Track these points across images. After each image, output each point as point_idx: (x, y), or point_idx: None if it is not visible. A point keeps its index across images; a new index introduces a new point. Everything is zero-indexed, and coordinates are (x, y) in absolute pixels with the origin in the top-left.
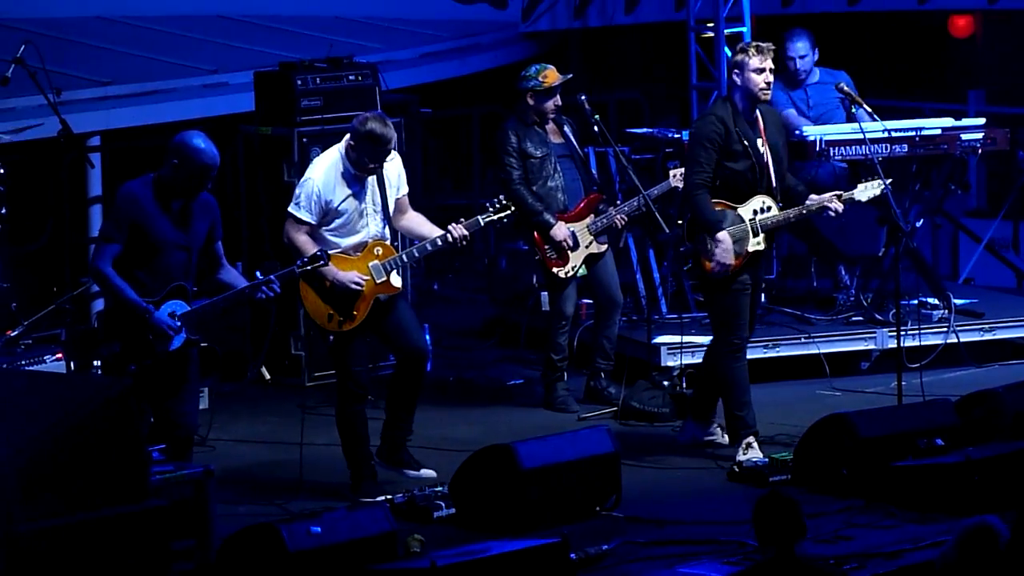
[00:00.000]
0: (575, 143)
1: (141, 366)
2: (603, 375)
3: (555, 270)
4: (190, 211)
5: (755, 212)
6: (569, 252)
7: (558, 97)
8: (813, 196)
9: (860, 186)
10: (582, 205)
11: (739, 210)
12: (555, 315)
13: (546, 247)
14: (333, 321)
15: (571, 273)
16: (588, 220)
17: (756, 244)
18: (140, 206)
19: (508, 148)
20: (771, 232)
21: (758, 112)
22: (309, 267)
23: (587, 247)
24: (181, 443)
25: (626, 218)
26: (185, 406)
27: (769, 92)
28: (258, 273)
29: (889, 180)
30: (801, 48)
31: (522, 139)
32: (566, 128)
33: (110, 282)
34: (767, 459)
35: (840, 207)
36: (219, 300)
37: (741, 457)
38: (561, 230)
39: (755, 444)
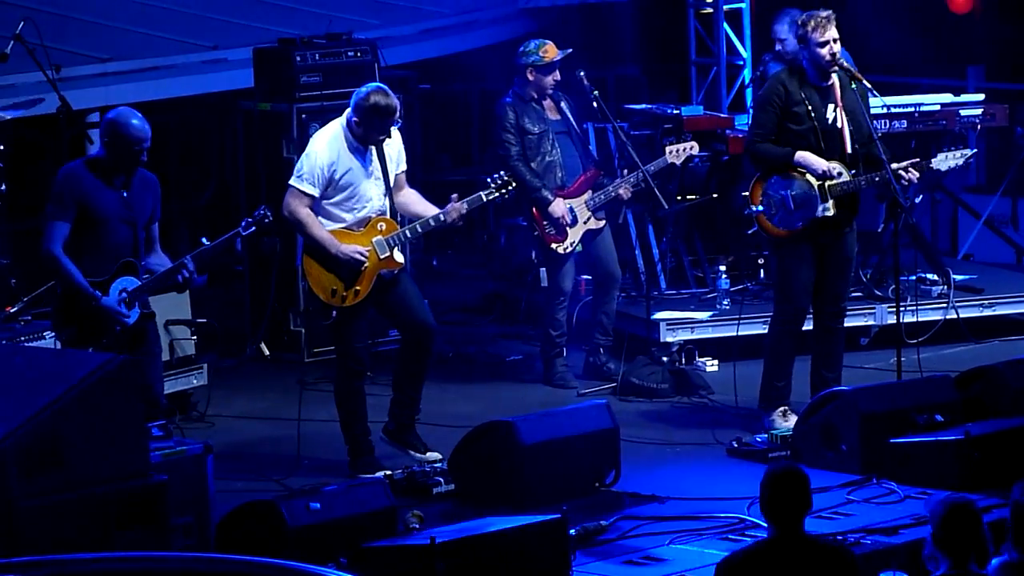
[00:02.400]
0: (572, 120)
1: (99, 346)
2: (602, 350)
3: (553, 246)
4: (132, 186)
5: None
6: (567, 228)
7: (557, 72)
8: (893, 164)
9: (940, 155)
10: (580, 181)
11: (807, 175)
12: (553, 291)
13: (544, 223)
14: (336, 296)
15: (569, 249)
16: (586, 196)
17: (824, 210)
18: (82, 183)
19: (506, 124)
20: (847, 200)
21: (834, 78)
22: (254, 227)
23: (585, 223)
24: (148, 417)
25: (631, 190)
26: (148, 380)
27: (835, 64)
28: (204, 239)
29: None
30: (780, 31)
31: (520, 115)
32: (563, 104)
33: (61, 265)
34: (767, 435)
35: (916, 175)
36: (161, 275)
37: (780, 424)
38: (559, 206)
39: (791, 413)
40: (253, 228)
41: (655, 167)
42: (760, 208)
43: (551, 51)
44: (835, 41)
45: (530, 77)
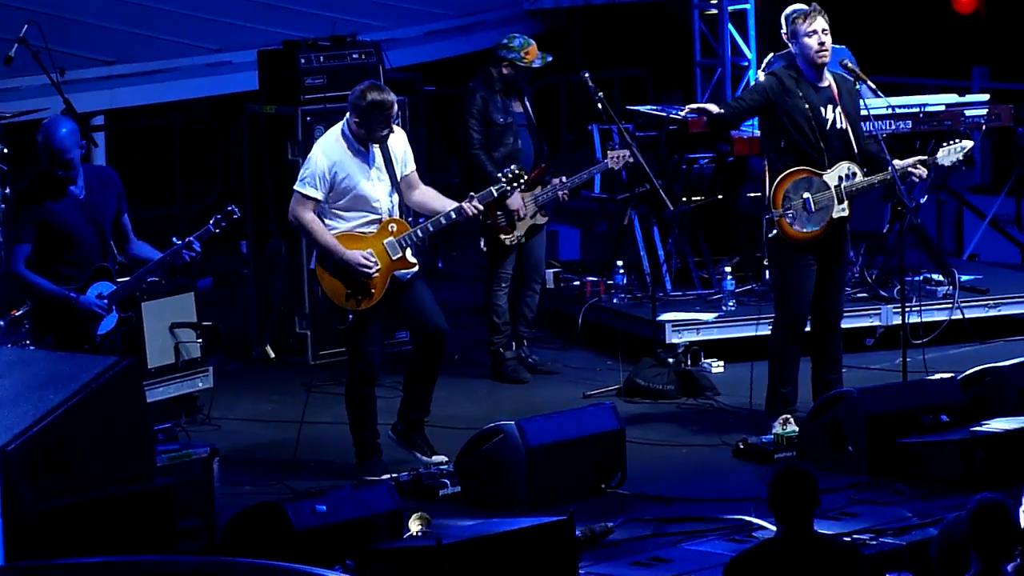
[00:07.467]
0: (531, 113)
1: (79, 352)
2: (526, 343)
3: (502, 237)
4: (90, 188)
5: (840, 179)
6: (517, 221)
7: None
8: (896, 162)
9: (942, 150)
10: (532, 176)
11: (824, 176)
12: (495, 278)
13: (499, 213)
14: (351, 300)
15: (515, 242)
16: (536, 191)
17: (841, 211)
18: (40, 202)
19: (472, 111)
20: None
21: (831, 79)
22: (224, 223)
23: (532, 217)
24: None
25: (568, 193)
26: None
27: (826, 54)
28: (175, 239)
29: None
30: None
31: (488, 104)
32: (525, 97)
33: (27, 280)
34: (773, 436)
35: (924, 172)
36: (142, 272)
37: (778, 431)
38: (517, 199)
39: (792, 422)
40: (224, 224)
41: (588, 174)
42: (781, 212)
43: (532, 53)
44: (824, 32)
45: (504, 70)
